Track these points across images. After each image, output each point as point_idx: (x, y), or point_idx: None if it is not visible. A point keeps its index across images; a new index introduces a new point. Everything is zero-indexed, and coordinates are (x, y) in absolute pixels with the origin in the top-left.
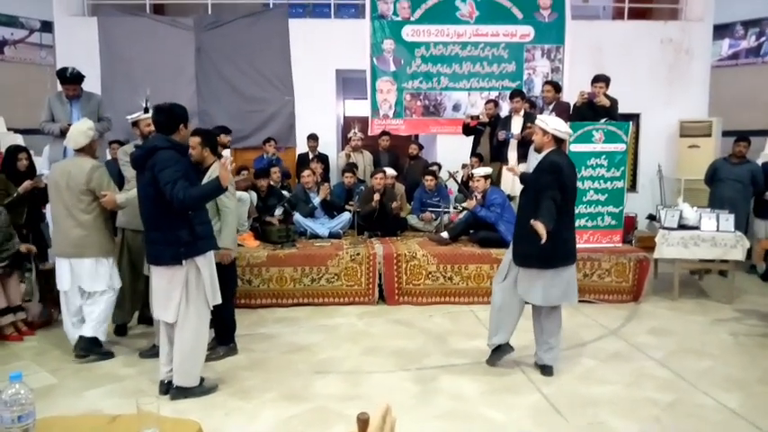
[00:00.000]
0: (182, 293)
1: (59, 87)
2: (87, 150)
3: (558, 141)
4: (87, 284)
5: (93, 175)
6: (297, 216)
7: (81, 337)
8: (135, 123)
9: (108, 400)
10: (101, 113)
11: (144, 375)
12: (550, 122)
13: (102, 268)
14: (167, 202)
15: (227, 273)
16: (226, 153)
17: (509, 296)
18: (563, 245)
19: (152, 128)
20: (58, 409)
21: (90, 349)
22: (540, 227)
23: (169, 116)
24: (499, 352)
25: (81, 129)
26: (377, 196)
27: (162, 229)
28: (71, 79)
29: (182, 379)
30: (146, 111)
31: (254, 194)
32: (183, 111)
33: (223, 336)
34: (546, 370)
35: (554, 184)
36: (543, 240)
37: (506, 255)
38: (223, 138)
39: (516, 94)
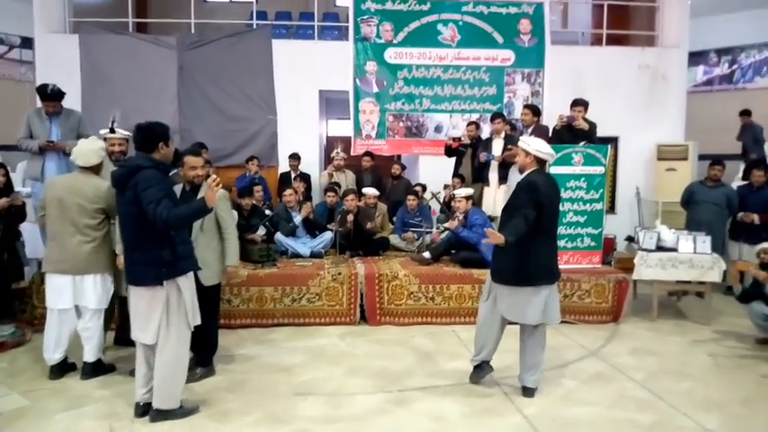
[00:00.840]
0: (162, 315)
1: (38, 104)
2: (95, 169)
3: (541, 162)
4: (93, 302)
5: (110, 194)
6: (278, 235)
7: (85, 364)
8: (104, 139)
9: (82, 423)
10: (81, 131)
11: (120, 397)
12: (532, 144)
13: (106, 285)
14: (150, 222)
15: (212, 292)
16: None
17: (490, 314)
18: (540, 263)
19: (116, 148)
20: None
21: (95, 373)
22: (496, 236)
23: (148, 135)
24: (479, 370)
25: (93, 147)
26: (350, 217)
27: (143, 249)
28: (52, 96)
29: (162, 401)
30: (111, 131)
31: (234, 213)
32: (163, 129)
33: (203, 356)
34: (527, 391)
35: (529, 203)
36: (498, 242)
37: (488, 274)
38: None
39: (497, 116)
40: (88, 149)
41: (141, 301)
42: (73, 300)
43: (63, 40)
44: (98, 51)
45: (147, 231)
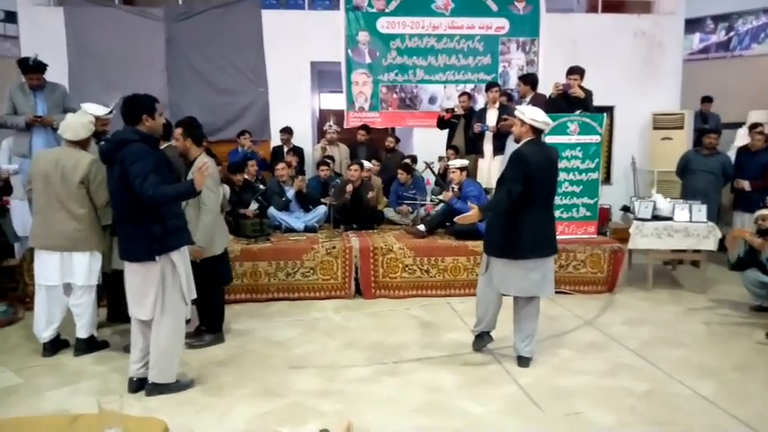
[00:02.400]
0: (157, 290)
1: (22, 78)
2: (82, 143)
3: (537, 132)
4: (81, 279)
5: (92, 168)
6: (271, 210)
7: (78, 340)
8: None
9: (75, 400)
10: (66, 104)
11: (115, 373)
12: (527, 112)
13: (96, 262)
14: (137, 197)
15: (207, 264)
16: (208, 160)
17: (488, 287)
18: (530, 236)
19: (104, 128)
20: (21, 410)
21: (88, 349)
22: (467, 217)
23: (131, 106)
24: (480, 339)
25: (82, 121)
26: (349, 187)
27: (133, 225)
28: (33, 68)
29: (159, 375)
30: (111, 112)
31: (226, 188)
32: (147, 101)
33: (211, 324)
34: (522, 361)
35: (515, 175)
36: (470, 222)
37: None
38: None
39: (493, 85)
40: (77, 122)
41: (135, 276)
42: (61, 277)
43: (48, 13)
44: (84, 24)
45: (137, 206)
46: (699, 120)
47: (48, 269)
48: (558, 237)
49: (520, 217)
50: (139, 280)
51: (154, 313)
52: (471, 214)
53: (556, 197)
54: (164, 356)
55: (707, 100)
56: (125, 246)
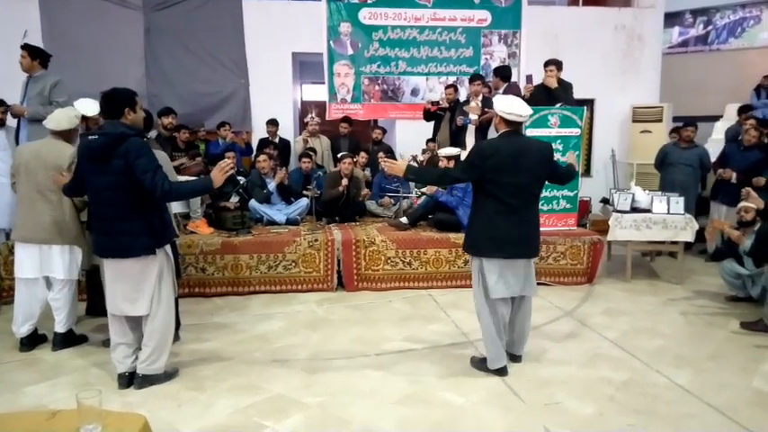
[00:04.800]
0: (156, 284)
1: None
2: (65, 135)
3: (512, 124)
4: (60, 272)
5: (72, 160)
6: (252, 202)
7: (56, 334)
8: (84, 117)
9: (54, 395)
10: (52, 97)
11: (94, 367)
12: (498, 103)
13: (76, 257)
14: (143, 191)
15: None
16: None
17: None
18: (485, 234)
19: (96, 126)
20: None
21: (66, 344)
22: (402, 164)
23: (113, 101)
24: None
25: (68, 114)
26: (345, 181)
27: (133, 219)
28: (23, 48)
29: (150, 368)
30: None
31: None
32: (127, 94)
33: None
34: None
35: (464, 164)
36: (397, 173)
37: None
38: (163, 120)
39: (477, 77)
40: (61, 113)
41: (129, 273)
42: (40, 270)
43: (22, 3)
44: (60, 14)
45: (140, 201)
46: (756, 96)
47: (26, 262)
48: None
49: (482, 212)
50: (135, 275)
51: (150, 309)
52: (400, 165)
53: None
54: (157, 349)
55: None
56: (121, 242)
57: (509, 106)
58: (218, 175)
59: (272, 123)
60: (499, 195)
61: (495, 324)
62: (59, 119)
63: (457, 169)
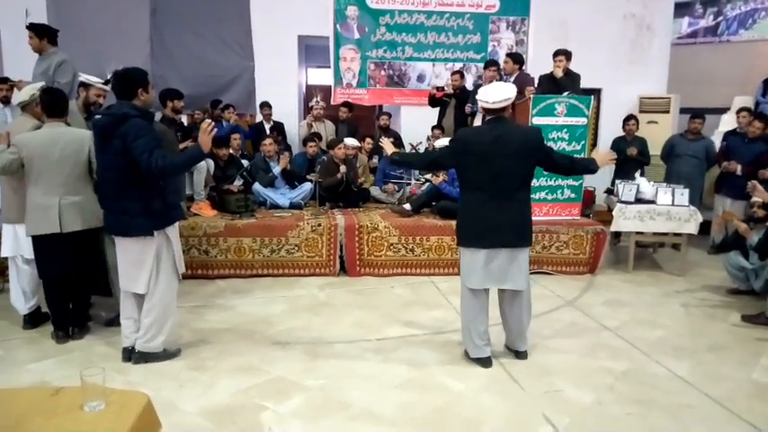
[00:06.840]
0: (153, 264)
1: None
2: (30, 111)
3: (491, 111)
4: (27, 251)
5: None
6: (256, 185)
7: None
8: (85, 85)
9: (57, 372)
10: (56, 77)
11: (97, 346)
12: (481, 91)
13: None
14: (142, 172)
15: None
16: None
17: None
18: (476, 222)
19: (100, 99)
20: (1, 383)
21: (35, 323)
22: (392, 148)
23: (126, 81)
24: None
25: (31, 86)
26: (343, 168)
27: (132, 200)
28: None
29: (147, 345)
30: (106, 82)
31: (210, 162)
32: (141, 75)
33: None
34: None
35: (445, 150)
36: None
37: None
38: (175, 103)
39: (492, 63)
40: (24, 88)
41: (129, 251)
42: (14, 249)
43: None
44: None
45: (138, 181)
46: (763, 88)
47: (4, 241)
48: (542, 218)
49: (464, 200)
50: (134, 255)
51: (148, 287)
52: (391, 145)
53: (541, 178)
54: (153, 327)
55: None
56: (119, 221)
57: (482, 93)
58: (205, 137)
59: (266, 106)
60: (478, 183)
61: (473, 314)
62: (22, 94)
63: (437, 154)
